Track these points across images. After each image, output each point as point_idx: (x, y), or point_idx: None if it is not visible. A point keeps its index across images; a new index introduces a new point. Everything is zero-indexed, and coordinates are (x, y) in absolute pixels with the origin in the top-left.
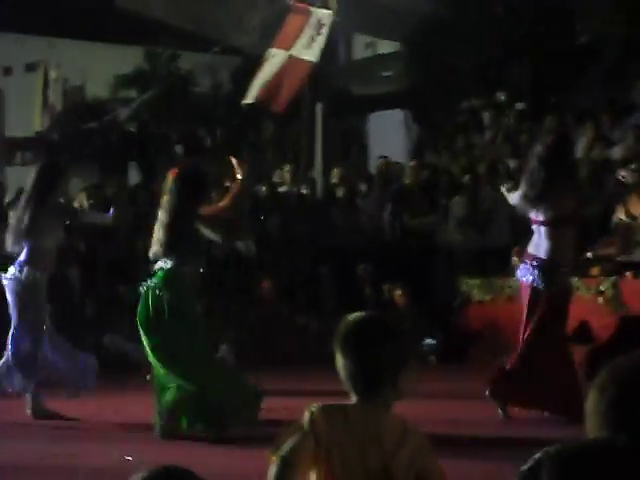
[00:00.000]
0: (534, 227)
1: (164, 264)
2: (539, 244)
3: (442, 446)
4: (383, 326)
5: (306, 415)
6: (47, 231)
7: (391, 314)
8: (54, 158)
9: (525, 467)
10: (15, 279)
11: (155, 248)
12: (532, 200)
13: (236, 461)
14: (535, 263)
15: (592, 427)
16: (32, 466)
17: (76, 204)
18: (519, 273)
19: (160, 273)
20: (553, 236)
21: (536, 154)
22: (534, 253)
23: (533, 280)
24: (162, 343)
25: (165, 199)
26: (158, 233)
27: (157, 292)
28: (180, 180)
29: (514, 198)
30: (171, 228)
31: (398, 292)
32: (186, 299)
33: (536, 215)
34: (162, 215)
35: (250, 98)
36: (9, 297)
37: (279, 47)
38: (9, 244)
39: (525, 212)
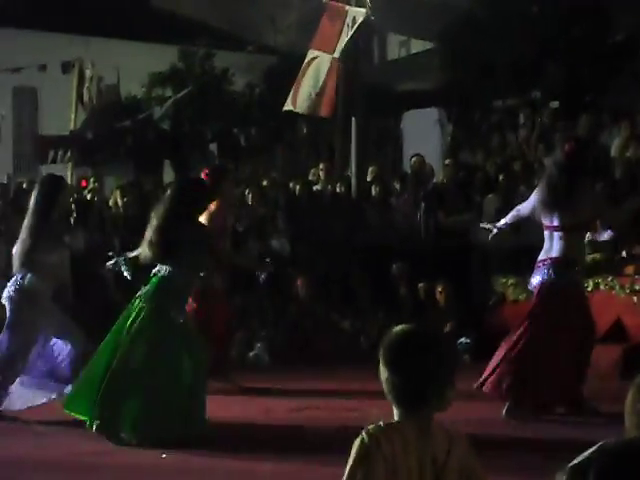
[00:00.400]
0: (546, 233)
1: (160, 270)
2: (550, 248)
3: (478, 446)
4: (428, 339)
5: (365, 438)
6: (50, 248)
7: (430, 314)
8: (56, 178)
9: (575, 462)
10: (16, 284)
11: (144, 251)
12: (549, 206)
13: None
14: (546, 263)
15: (631, 426)
16: (60, 462)
17: (111, 202)
18: (532, 281)
19: (154, 280)
20: (567, 239)
21: (554, 160)
22: (544, 257)
23: (543, 277)
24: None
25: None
26: (148, 235)
27: (141, 303)
28: (178, 187)
29: (527, 202)
30: (160, 231)
31: (439, 289)
32: (170, 310)
33: (551, 221)
34: (153, 218)
35: (293, 105)
36: (5, 302)
37: (319, 49)
38: (16, 267)
39: (539, 218)
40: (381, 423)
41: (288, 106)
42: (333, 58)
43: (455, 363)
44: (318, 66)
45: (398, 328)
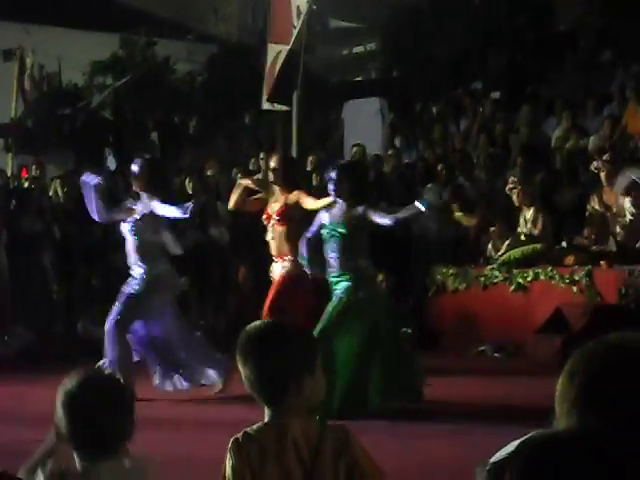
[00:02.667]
0: None
1: None
2: None
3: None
4: (281, 332)
5: (228, 451)
6: None
7: None
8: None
9: (495, 460)
10: None
11: None
12: None
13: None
14: None
15: (561, 414)
16: None
17: (51, 192)
18: None
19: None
20: None
21: None
22: None
23: None
24: None
25: None
26: None
27: None
28: None
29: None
30: None
31: (380, 277)
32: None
33: None
34: None
35: (267, 104)
36: None
37: (278, 42)
38: None
39: None
40: (247, 429)
41: (263, 106)
42: (290, 50)
43: (312, 351)
44: (279, 58)
45: (251, 324)
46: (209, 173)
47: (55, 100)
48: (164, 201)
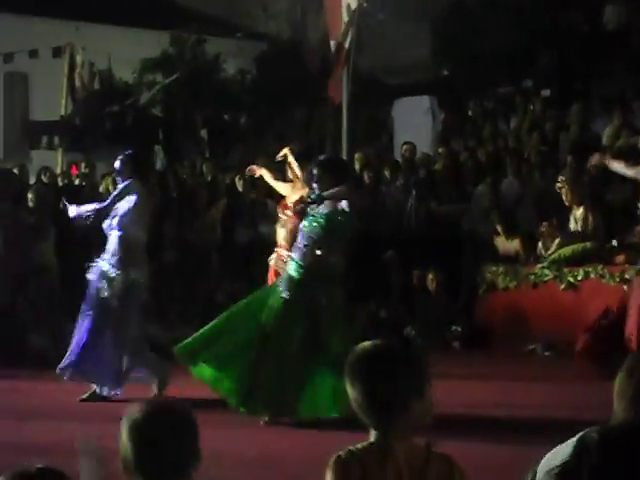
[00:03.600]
0: None
1: None
2: None
3: (459, 429)
4: (391, 354)
5: (329, 471)
6: None
7: (422, 301)
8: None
9: (557, 465)
10: None
11: None
12: None
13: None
14: None
15: (620, 410)
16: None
17: (102, 188)
18: None
19: None
20: None
21: None
22: None
23: None
24: None
25: None
26: None
27: None
28: None
29: None
30: None
31: (430, 277)
32: None
33: None
34: None
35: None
36: None
37: (336, 38)
38: None
39: None
40: (351, 448)
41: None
42: (339, 44)
43: (422, 376)
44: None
45: (361, 344)
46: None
47: (105, 98)
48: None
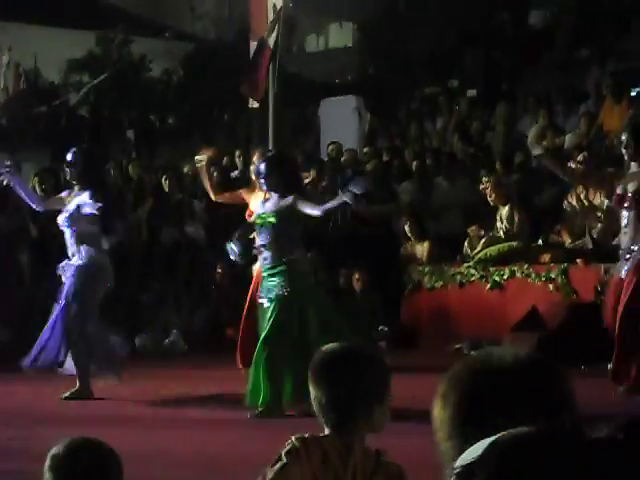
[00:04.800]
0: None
1: None
2: None
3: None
4: (357, 357)
5: (288, 447)
6: None
7: (348, 301)
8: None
9: (463, 464)
10: None
11: None
12: None
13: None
14: None
15: (442, 439)
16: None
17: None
18: None
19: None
20: None
21: None
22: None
23: None
24: None
25: None
26: None
27: None
28: None
29: None
30: None
31: (355, 277)
32: None
33: None
34: None
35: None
36: None
37: (258, 38)
38: None
39: None
40: (306, 435)
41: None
42: (263, 43)
43: (385, 381)
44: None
45: (327, 346)
46: (185, 171)
47: (31, 98)
48: (96, 192)
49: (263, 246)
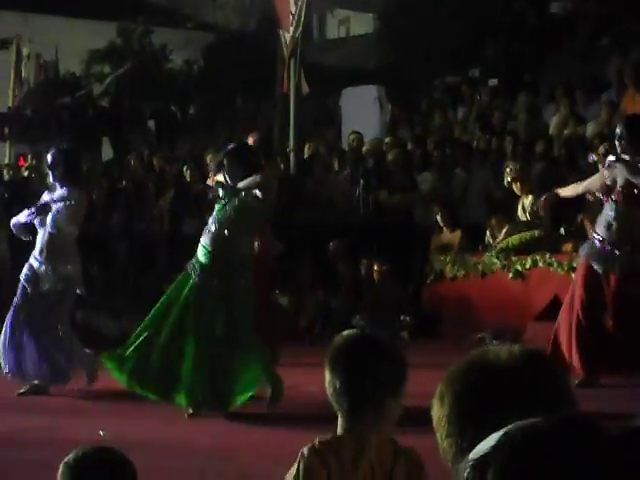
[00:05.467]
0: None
1: None
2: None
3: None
4: (375, 347)
5: (300, 462)
6: None
7: (369, 291)
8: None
9: (475, 457)
10: None
11: None
12: None
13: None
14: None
15: (442, 437)
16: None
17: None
18: None
19: None
20: None
21: None
22: None
23: None
24: None
25: None
26: None
27: None
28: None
29: None
30: None
31: (375, 268)
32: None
33: None
34: None
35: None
36: None
37: (284, 28)
38: None
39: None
40: (317, 441)
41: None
42: (291, 37)
43: (401, 375)
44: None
45: (345, 332)
46: (207, 161)
47: (53, 89)
48: (71, 191)
49: (211, 228)
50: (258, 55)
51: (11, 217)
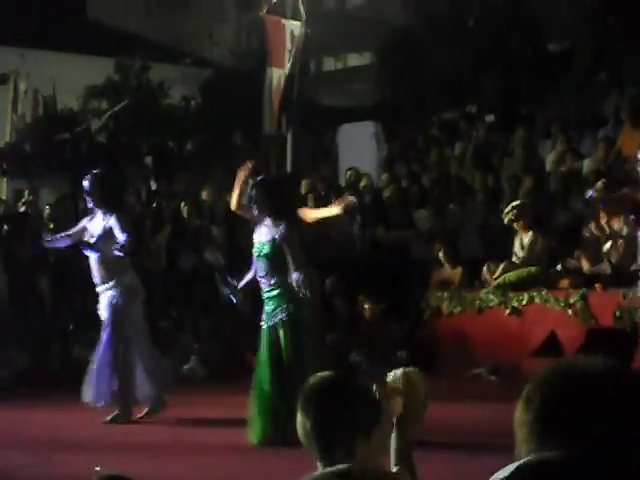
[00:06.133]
0: None
1: None
2: None
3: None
4: (347, 389)
5: None
6: None
7: (367, 326)
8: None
9: None
10: None
11: None
12: None
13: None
14: None
15: (520, 440)
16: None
17: (45, 215)
18: None
19: None
20: None
21: None
22: None
23: None
24: None
25: None
26: None
27: None
28: None
29: None
30: None
31: (366, 306)
32: None
33: None
34: None
35: (270, 128)
36: None
37: (276, 65)
38: None
39: None
40: None
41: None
42: (285, 74)
43: (372, 419)
44: (276, 82)
45: (318, 374)
46: (204, 197)
47: (50, 124)
48: (121, 215)
49: (261, 277)
50: (255, 92)
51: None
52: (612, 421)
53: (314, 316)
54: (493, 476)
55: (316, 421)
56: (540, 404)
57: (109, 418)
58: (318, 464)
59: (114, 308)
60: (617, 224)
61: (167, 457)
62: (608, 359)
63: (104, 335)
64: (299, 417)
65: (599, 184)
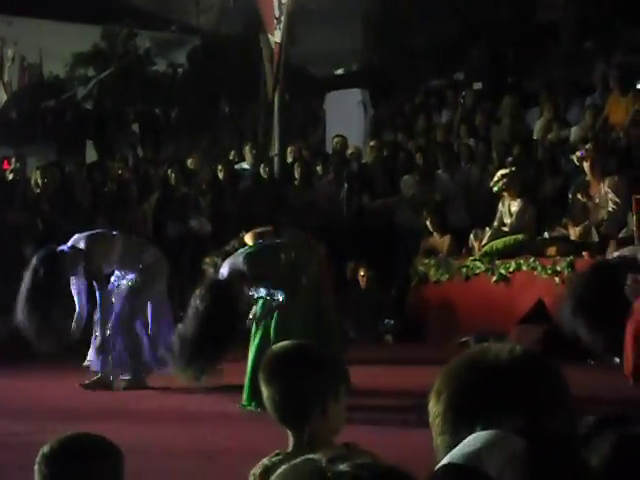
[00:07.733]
0: None
1: None
2: None
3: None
4: (307, 355)
5: None
6: None
7: (353, 295)
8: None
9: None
10: None
11: None
12: None
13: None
14: None
15: (435, 433)
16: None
17: (32, 182)
18: None
19: None
20: None
21: None
22: None
23: None
24: None
25: None
26: None
27: None
28: None
29: None
30: None
31: (360, 273)
32: None
33: None
34: None
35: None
36: None
37: (268, 31)
38: None
39: None
40: (267, 460)
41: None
42: (275, 42)
43: (338, 377)
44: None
45: (276, 345)
46: (190, 165)
47: (37, 92)
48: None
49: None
50: (242, 59)
51: None
52: (520, 405)
53: (315, 283)
54: (454, 451)
55: (286, 391)
56: (449, 394)
57: (99, 380)
58: (290, 436)
59: (133, 287)
60: (604, 189)
61: (153, 424)
62: (517, 346)
63: (117, 306)
64: (265, 391)
65: (589, 145)
